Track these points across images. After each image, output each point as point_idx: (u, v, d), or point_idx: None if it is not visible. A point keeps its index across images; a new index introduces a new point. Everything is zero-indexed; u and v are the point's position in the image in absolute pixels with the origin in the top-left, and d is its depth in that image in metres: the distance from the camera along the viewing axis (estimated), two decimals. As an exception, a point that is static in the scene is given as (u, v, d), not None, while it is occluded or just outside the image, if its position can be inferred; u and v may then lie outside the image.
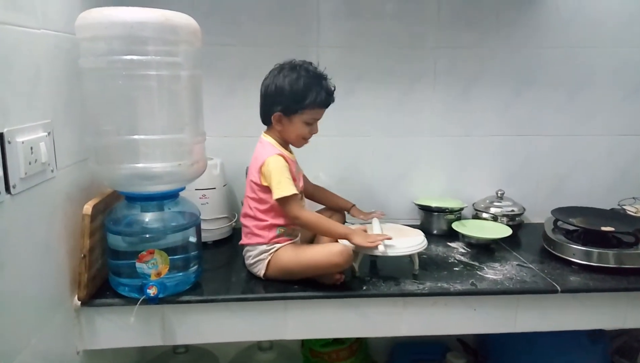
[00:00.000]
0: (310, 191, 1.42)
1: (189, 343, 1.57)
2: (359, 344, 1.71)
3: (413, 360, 1.70)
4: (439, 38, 1.62)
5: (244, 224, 1.26)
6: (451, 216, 1.60)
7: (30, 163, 0.92)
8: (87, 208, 1.09)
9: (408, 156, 1.69)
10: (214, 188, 1.49)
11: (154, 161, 1.08)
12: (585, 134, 1.73)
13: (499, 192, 1.66)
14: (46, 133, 0.99)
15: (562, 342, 1.50)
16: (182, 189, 1.18)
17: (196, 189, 1.44)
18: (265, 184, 1.20)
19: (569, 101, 1.70)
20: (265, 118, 1.27)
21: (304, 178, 1.38)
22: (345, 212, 1.45)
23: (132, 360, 1.60)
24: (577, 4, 1.63)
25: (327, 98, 1.23)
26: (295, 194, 1.18)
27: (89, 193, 1.19)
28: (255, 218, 1.23)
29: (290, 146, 1.30)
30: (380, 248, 1.18)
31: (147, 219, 1.13)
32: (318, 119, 1.26)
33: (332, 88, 1.25)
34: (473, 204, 1.68)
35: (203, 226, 1.28)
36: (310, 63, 1.25)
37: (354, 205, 1.43)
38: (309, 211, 1.23)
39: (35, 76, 0.97)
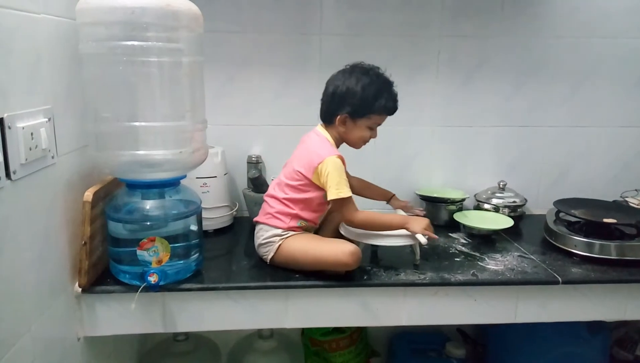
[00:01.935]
0: (354, 184, 1.41)
1: (190, 330, 1.58)
2: (359, 333, 1.72)
3: (413, 350, 1.70)
4: (442, 27, 1.61)
5: (268, 204, 1.26)
6: (453, 207, 1.60)
7: (30, 149, 0.91)
8: (88, 194, 1.09)
9: (410, 147, 1.69)
10: (215, 177, 1.48)
11: (154, 148, 1.08)
12: (588, 126, 1.72)
13: (501, 183, 1.65)
14: (46, 119, 0.98)
15: (562, 333, 1.50)
16: (183, 177, 1.17)
17: (197, 178, 1.44)
18: (316, 181, 1.20)
19: (573, 92, 1.69)
20: (329, 117, 1.26)
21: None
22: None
23: (133, 347, 1.61)
24: (582, -6, 1.61)
25: (394, 105, 1.25)
26: (351, 197, 1.19)
27: (90, 180, 1.18)
28: (283, 202, 1.23)
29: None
30: (422, 239, 1.20)
31: (147, 207, 1.13)
32: (380, 125, 1.27)
33: (397, 95, 1.25)
34: (475, 195, 1.68)
35: (204, 214, 1.28)
36: (379, 68, 1.25)
37: (394, 195, 1.45)
38: (362, 212, 1.23)
39: (35, 61, 0.96)
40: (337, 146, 1.27)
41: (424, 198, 1.64)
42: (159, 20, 1.02)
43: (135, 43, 1.01)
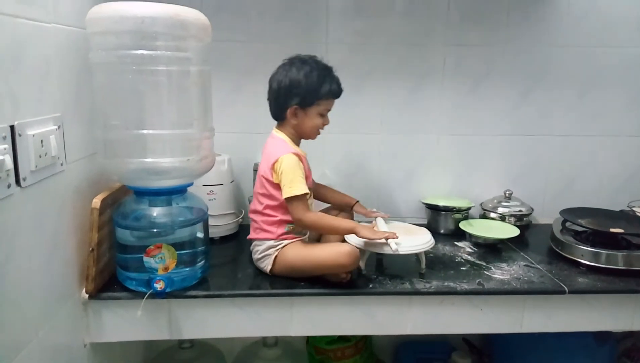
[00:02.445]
0: (314, 189, 1.42)
1: (195, 337, 1.57)
2: (364, 342, 1.71)
3: (418, 359, 1.70)
4: (448, 36, 1.61)
5: (253, 219, 1.27)
6: (458, 216, 1.60)
7: (40, 156, 0.92)
8: (96, 201, 1.10)
9: (415, 155, 1.69)
10: (222, 184, 1.49)
11: (162, 156, 1.09)
12: (595, 135, 1.72)
13: (507, 192, 1.65)
14: (56, 127, 1.00)
15: (569, 344, 1.49)
16: (190, 184, 1.18)
17: (204, 185, 1.44)
18: (276, 181, 1.20)
19: (579, 101, 1.69)
20: (279, 113, 1.27)
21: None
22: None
23: (139, 354, 1.61)
24: (588, 3, 1.61)
25: (339, 88, 1.25)
26: (304, 195, 1.18)
27: (98, 187, 1.19)
28: (264, 213, 1.24)
29: (301, 141, 1.30)
30: (393, 246, 1.17)
31: (155, 214, 1.14)
32: (329, 110, 1.27)
33: (339, 79, 1.26)
34: (481, 204, 1.68)
35: (210, 221, 1.28)
36: (316, 56, 1.26)
37: (357, 201, 1.42)
38: (312, 212, 1.23)
39: (45, 69, 0.97)
40: (297, 143, 1.28)
41: (430, 207, 1.64)
42: (168, 29, 1.03)
43: (145, 52, 1.02)
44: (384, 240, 1.18)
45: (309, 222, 1.20)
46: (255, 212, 1.26)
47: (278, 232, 1.23)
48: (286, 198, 1.18)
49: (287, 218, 1.22)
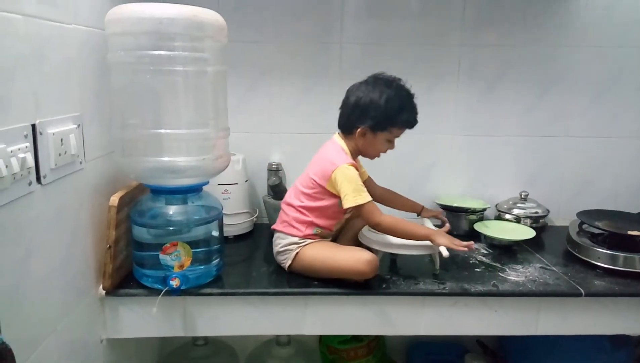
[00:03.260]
0: (379, 194, 1.41)
1: (209, 335, 1.60)
2: (377, 342, 1.71)
3: (431, 360, 1.69)
4: (463, 36, 1.61)
5: (285, 211, 1.27)
6: (473, 217, 1.59)
7: (60, 154, 0.94)
8: (114, 199, 1.12)
9: (430, 155, 1.68)
10: (236, 183, 1.50)
11: (178, 155, 1.10)
12: (611, 136, 1.70)
13: (523, 193, 1.64)
14: (76, 126, 1.01)
15: (584, 347, 1.47)
16: (206, 183, 1.19)
17: (219, 184, 1.46)
18: (330, 189, 1.20)
19: (595, 102, 1.67)
20: (348, 128, 1.25)
21: (372, 181, 1.40)
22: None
23: (154, 350, 1.63)
24: (604, 3, 1.60)
25: (415, 119, 1.24)
26: (372, 201, 1.19)
27: (115, 185, 1.21)
28: (298, 210, 1.24)
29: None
30: (444, 252, 1.17)
31: (171, 212, 1.15)
32: (398, 137, 1.26)
33: (416, 108, 1.24)
34: (496, 205, 1.67)
35: (225, 220, 1.29)
36: (401, 79, 1.24)
37: (423, 207, 1.43)
38: (388, 216, 1.21)
39: (66, 69, 0.99)
40: (354, 157, 1.27)
41: (444, 208, 1.63)
42: (185, 30, 1.05)
43: (162, 53, 1.04)
44: (464, 249, 1.18)
45: (387, 225, 1.19)
46: (290, 205, 1.26)
47: (306, 232, 1.23)
48: (355, 207, 1.17)
49: (319, 221, 1.24)
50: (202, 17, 1.06)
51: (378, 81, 1.23)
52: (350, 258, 1.17)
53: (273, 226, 1.29)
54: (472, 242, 1.21)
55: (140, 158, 1.11)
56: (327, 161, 1.21)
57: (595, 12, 1.60)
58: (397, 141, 1.28)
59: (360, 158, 1.32)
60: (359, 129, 1.22)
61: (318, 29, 1.58)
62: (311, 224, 1.24)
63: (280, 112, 1.63)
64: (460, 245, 1.18)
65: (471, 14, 1.59)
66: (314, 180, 1.22)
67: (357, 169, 1.21)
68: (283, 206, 1.29)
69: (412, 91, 1.25)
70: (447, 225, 1.32)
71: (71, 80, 1.01)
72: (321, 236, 1.26)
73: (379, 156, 1.29)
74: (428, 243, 1.24)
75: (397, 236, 1.23)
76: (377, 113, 1.20)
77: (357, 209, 1.19)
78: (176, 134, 1.09)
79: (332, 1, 1.57)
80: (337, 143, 1.26)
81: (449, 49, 1.61)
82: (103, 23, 1.08)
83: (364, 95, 1.21)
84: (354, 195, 1.17)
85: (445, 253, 1.17)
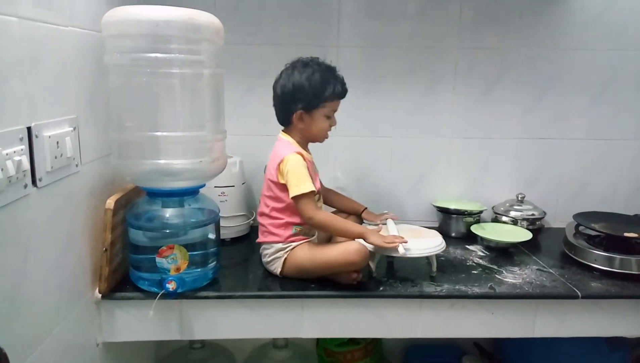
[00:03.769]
0: (323, 194, 1.41)
1: (206, 338, 1.59)
2: (374, 345, 1.71)
3: (428, 363, 1.69)
4: (460, 39, 1.61)
5: (261, 223, 1.27)
6: (470, 219, 1.59)
7: (56, 157, 0.94)
8: (110, 202, 1.11)
9: (427, 158, 1.69)
10: (233, 186, 1.50)
11: (175, 157, 1.10)
12: (608, 138, 1.70)
13: (520, 195, 1.64)
14: (71, 128, 1.01)
15: (581, 349, 1.48)
16: (202, 186, 1.19)
17: (215, 187, 1.45)
18: (282, 182, 1.20)
19: (592, 104, 1.67)
20: (285, 118, 1.27)
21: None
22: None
23: (150, 353, 1.62)
24: (601, 6, 1.60)
25: (343, 88, 1.25)
26: (311, 192, 1.18)
27: (112, 188, 1.21)
28: (271, 216, 1.24)
29: (309, 145, 1.30)
30: (400, 249, 1.17)
31: (167, 215, 1.15)
32: (335, 111, 1.27)
33: (343, 78, 1.25)
34: (493, 208, 1.67)
35: (221, 223, 1.29)
36: (318, 58, 1.25)
37: (366, 208, 1.42)
38: (324, 211, 1.22)
39: (62, 72, 0.99)
40: (305, 147, 1.27)
41: (441, 210, 1.63)
42: (182, 33, 1.05)
43: (159, 55, 1.04)
44: (396, 247, 1.17)
45: (319, 220, 1.18)
46: (263, 215, 1.26)
47: (285, 234, 1.23)
48: (294, 197, 1.17)
49: (294, 220, 1.23)
50: (199, 19, 1.06)
51: (295, 64, 1.24)
52: (339, 251, 1.16)
53: (257, 240, 1.29)
54: (402, 237, 1.20)
55: (136, 161, 1.10)
56: (276, 157, 1.22)
57: (592, 14, 1.61)
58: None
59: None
60: (294, 115, 1.23)
61: (315, 31, 1.58)
62: (287, 224, 1.23)
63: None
64: (391, 242, 1.18)
65: (468, 16, 1.59)
66: (269, 180, 1.23)
67: (304, 158, 1.21)
68: (258, 219, 1.29)
69: (333, 65, 1.25)
70: (380, 226, 1.31)
71: (67, 82, 1.01)
72: (303, 234, 1.25)
73: (326, 136, 1.28)
74: (425, 245, 1.24)
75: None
76: (304, 94, 1.21)
77: (295, 200, 1.18)
78: (173, 136, 1.08)
79: (329, 4, 1.57)
80: (283, 139, 1.27)
81: (446, 52, 1.62)
82: (99, 25, 1.08)
83: (287, 82, 1.22)
84: (296, 184, 1.17)
85: (401, 250, 1.17)
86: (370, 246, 1.20)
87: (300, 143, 1.26)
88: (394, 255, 1.20)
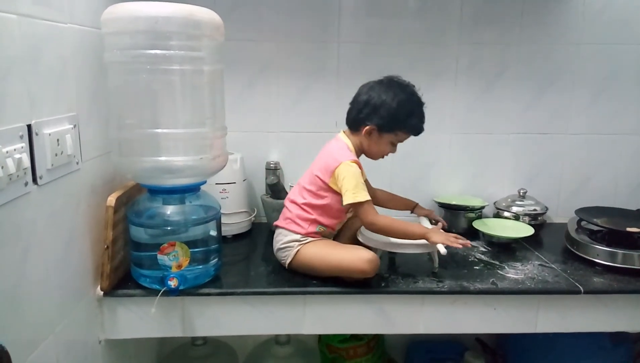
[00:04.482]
0: (375, 195, 1.41)
1: (208, 335, 1.59)
2: (377, 341, 1.71)
3: (431, 359, 1.69)
4: (461, 34, 1.60)
5: (288, 209, 1.27)
6: (472, 215, 1.59)
7: (56, 155, 0.94)
8: (111, 200, 1.11)
9: (429, 153, 1.68)
10: (234, 183, 1.50)
11: (176, 154, 1.10)
12: (610, 133, 1.70)
13: (521, 191, 1.63)
14: (72, 126, 1.01)
15: (584, 344, 1.48)
16: (203, 183, 1.19)
17: (216, 184, 1.45)
18: (332, 186, 1.20)
19: (594, 99, 1.67)
20: (355, 125, 1.26)
21: (368, 183, 1.39)
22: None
23: (152, 350, 1.62)
24: (602, 1, 1.59)
25: (421, 127, 1.25)
26: (370, 201, 1.19)
27: (113, 185, 1.21)
28: (302, 208, 1.24)
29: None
30: (441, 249, 1.18)
31: (168, 212, 1.15)
32: (402, 142, 1.27)
33: (424, 117, 1.25)
34: (494, 203, 1.67)
35: (223, 220, 1.29)
36: (414, 86, 1.26)
37: (417, 204, 1.43)
38: (383, 216, 1.22)
39: (62, 69, 0.98)
40: (358, 155, 1.27)
41: (443, 206, 1.63)
42: (181, 29, 1.04)
43: (159, 52, 1.03)
44: (459, 246, 1.19)
45: (382, 225, 1.19)
46: (294, 203, 1.26)
47: (308, 230, 1.23)
48: (352, 204, 1.18)
49: (322, 219, 1.23)
50: (199, 15, 1.06)
51: (392, 83, 1.24)
52: (351, 257, 1.16)
53: (275, 223, 1.29)
54: (468, 241, 1.21)
55: (137, 158, 1.10)
56: (330, 158, 1.21)
57: (593, 10, 1.60)
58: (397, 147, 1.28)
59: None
60: (366, 127, 1.22)
61: (315, 27, 1.58)
62: (314, 222, 1.24)
63: (277, 111, 1.63)
64: (456, 242, 1.19)
65: (469, 12, 1.59)
66: (317, 176, 1.22)
67: (359, 167, 1.21)
68: (286, 203, 1.29)
69: (423, 100, 1.25)
70: (441, 223, 1.33)
71: (67, 80, 1.01)
72: (323, 235, 1.26)
73: (381, 157, 1.29)
74: (426, 241, 1.24)
75: (392, 236, 1.24)
76: (387, 114, 1.21)
77: (355, 207, 1.19)
78: (173, 133, 1.08)
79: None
80: (342, 141, 1.26)
81: (447, 48, 1.61)
82: (99, 22, 1.08)
83: (377, 94, 1.22)
84: (353, 192, 1.17)
85: (443, 250, 1.18)
86: (376, 238, 1.22)
87: (355, 150, 1.26)
88: (442, 253, 1.18)
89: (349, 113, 1.27)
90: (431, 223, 1.38)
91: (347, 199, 1.17)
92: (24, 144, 0.84)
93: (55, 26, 0.96)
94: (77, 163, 1.04)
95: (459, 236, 1.23)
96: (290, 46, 1.58)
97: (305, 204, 1.24)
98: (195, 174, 1.14)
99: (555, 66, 1.64)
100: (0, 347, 0.66)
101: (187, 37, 1.06)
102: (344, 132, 1.29)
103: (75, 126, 1.02)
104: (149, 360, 1.59)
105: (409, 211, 1.45)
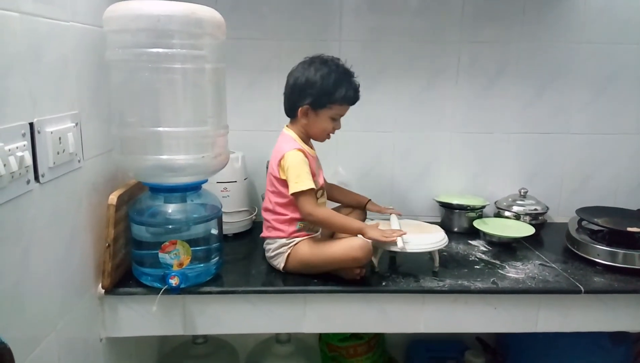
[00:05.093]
0: (326, 189, 1.41)
1: (209, 333, 1.59)
2: (377, 340, 1.71)
3: (431, 358, 1.69)
4: (462, 33, 1.60)
5: (265, 218, 1.27)
6: (472, 214, 1.59)
7: (58, 153, 0.94)
8: (112, 198, 1.11)
9: (429, 152, 1.68)
10: (235, 181, 1.50)
11: (177, 153, 1.10)
12: (611, 133, 1.69)
13: (522, 190, 1.63)
14: (74, 124, 1.01)
15: (584, 344, 1.48)
16: (205, 181, 1.19)
17: (218, 182, 1.45)
18: (283, 177, 1.20)
19: (596, 98, 1.67)
20: (291, 110, 1.26)
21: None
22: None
23: (153, 349, 1.63)
24: (604, 0, 1.59)
25: (355, 95, 1.24)
26: (311, 189, 1.17)
27: (114, 184, 1.21)
28: (275, 211, 1.24)
29: (312, 141, 1.30)
30: (399, 243, 1.18)
31: (170, 211, 1.15)
32: (342, 115, 1.26)
33: (358, 86, 1.25)
34: (495, 203, 1.67)
35: (224, 218, 1.29)
36: (339, 59, 1.25)
37: (369, 200, 1.42)
38: (323, 208, 1.22)
39: (63, 67, 0.98)
40: (307, 143, 1.27)
41: (443, 205, 1.63)
42: (183, 27, 1.04)
43: (160, 50, 1.03)
44: (395, 241, 1.18)
45: (319, 217, 1.18)
46: (267, 210, 1.26)
47: (289, 230, 1.23)
48: (293, 194, 1.17)
49: (298, 215, 1.22)
50: (200, 14, 1.06)
51: (314, 60, 1.24)
52: (343, 247, 1.16)
53: (261, 235, 1.29)
54: (401, 230, 1.21)
55: (139, 156, 1.10)
56: (277, 152, 1.22)
57: (594, 8, 1.60)
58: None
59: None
60: (300, 109, 1.23)
61: (317, 26, 1.58)
62: (292, 220, 1.23)
63: (279, 110, 1.61)
64: (389, 236, 1.18)
65: (470, 10, 1.59)
66: (273, 175, 1.23)
67: (305, 154, 1.20)
68: (262, 214, 1.29)
69: (352, 70, 1.24)
70: (394, 211, 1.35)
71: (69, 78, 1.01)
72: (307, 231, 1.25)
73: (327, 137, 1.28)
74: (427, 240, 1.24)
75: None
76: (314, 90, 1.20)
77: (295, 197, 1.18)
78: (175, 132, 1.08)
79: (330, -2, 1.56)
80: (286, 134, 1.27)
81: (448, 46, 1.61)
82: (101, 20, 1.08)
83: (301, 74, 1.22)
84: (296, 181, 1.17)
85: (400, 244, 1.17)
86: (369, 242, 1.20)
87: (302, 138, 1.26)
88: (394, 249, 1.20)
89: (284, 103, 1.27)
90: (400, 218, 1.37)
91: (291, 189, 1.17)
92: (26, 142, 0.84)
93: (57, 24, 0.96)
94: (79, 161, 1.04)
95: (396, 230, 1.22)
96: (291, 44, 1.58)
97: (275, 206, 1.23)
98: (196, 172, 1.14)
99: (556, 65, 1.64)
100: (3, 344, 0.66)
101: (189, 35, 1.06)
102: (287, 126, 1.29)
103: (77, 124, 1.02)
104: (150, 358, 1.59)
105: (362, 208, 1.42)
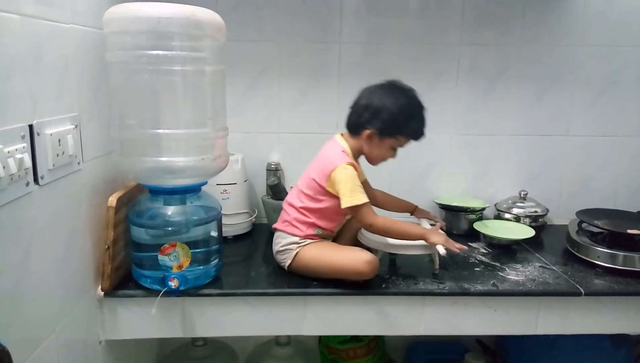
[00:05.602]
0: (374, 196, 1.40)
1: (208, 335, 1.59)
2: (377, 342, 1.71)
3: (431, 360, 1.69)
4: (462, 35, 1.60)
5: (286, 211, 1.27)
6: (472, 216, 1.59)
7: (58, 155, 0.94)
8: (112, 200, 1.11)
9: (429, 154, 1.68)
10: (235, 183, 1.50)
11: (177, 155, 1.10)
12: (611, 135, 1.69)
13: (522, 192, 1.63)
14: (73, 126, 1.01)
15: (584, 346, 1.47)
16: (205, 183, 1.19)
17: (217, 184, 1.45)
18: (329, 189, 1.20)
19: (595, 101, 1.67)
20: (355, 128, 1.24)
21: (368, 184, 1.38)
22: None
23: (152, 351, 1.62)
24: (604, 3, 1.59)
25: (422, 132, 1.24)
26: (368, 203, 1.18)
27: (114, 186, 1.21)
28: (299, 211, 1.24)
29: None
30: (441, 250, 1.18)
31: (169, 213, 1.15)
32: (402, 147, 1.26)
33: (426, 122, 1.24)
34: (495, 205, 1.66)
35: (223, 221, 1.29)
36: (416, 91, 1.24)
37: (416, 207, 1.43)
38: (382, 217, 1.21)
39: (63, 69, 0.99)
40: (355, 158, 1.26)
41: (443, 207, 1.63)
42: (183, 29, 1.04)
43: (160, 52, 1.03)
44: (456, 250, 1.19)
45: (380, 227, 1.19)
46: (292, 206, 1.26)
47: (306, 232, 1.23)
48: (350, 208, 1.17)
49: (320, 223, 1.23)
50: (200, 16, 1.06)
51: (394, 86, 1.23)
52: (350, 258, 1.16)
53: (274, 225, 1.29)
54: (465, 246, 1.22)
55: (138, 158, 1.10)
56: (326, 161, 1.21)
57: (594, 11, 1.60)
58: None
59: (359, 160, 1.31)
60: (366, 131, 1.22)
61: (317, 28, 1.58)
62: (312, 225, 1.23)
63: (279, 112, 1.63)
64: (454, 245, 1.19)
65: (470, 13, 1.59)
66: (314, 180, 1.22)
67: (356, 169, 1.21)
68: (285, 206, 1.28)
69: (425, 104, 1.24)
70: (439, 224, 1.33)
71: (69, 80, 1.01)
72: (322, 237, 1.26)
73: (381, 162, 1.29)
74: (425, 242, 1.24)
75: (391, 237, 1.24)
76: (388, 118, 1.20)
77: (353, 210, 1.19)
78: (175, 134, 1.08)
79: (331, 0, 1.56)
80: (338, 143, 1.25)
81: (448, 48, 1.61)
82: (101, 22, 1.08)
83: (378, 98, 1.21)
84: (350, 195, 1.17)
85: (442, 251, 1.18)
86: (376, 239, 1.21)
87: (353, 153, 1.25)
88: (441, 254, 1.19)
89: (349, 117, 1.26)
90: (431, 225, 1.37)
91: (345, 203, 1.17)
92: (26, 144, 0.84)
93: (57, 26, 0.96)
94: (79, 163, 1.04)
95: (456, 243, 1.22)
96: (291, 46, 1.58)
97: (303, 208, 1.23)
98: (196, 174, 1.14)
99: (556, 67, 1.64)
100: (1, 346, 0.66)
101: (189, 37, 1.06)
102: (342, 135, 1.28)
103: (76, 126, 1.02)
104: (149, 360, 1.59)
105: (409, 214, 1.44)
